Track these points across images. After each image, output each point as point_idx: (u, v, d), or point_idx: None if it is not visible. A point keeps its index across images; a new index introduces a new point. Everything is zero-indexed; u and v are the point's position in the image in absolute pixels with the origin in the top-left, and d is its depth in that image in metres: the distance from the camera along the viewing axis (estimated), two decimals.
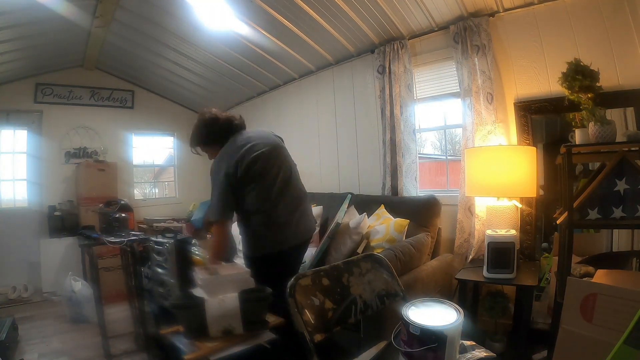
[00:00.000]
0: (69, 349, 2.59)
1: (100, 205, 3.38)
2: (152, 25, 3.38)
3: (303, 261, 2.14)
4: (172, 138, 5.43)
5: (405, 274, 1.97)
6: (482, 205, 2.26)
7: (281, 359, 1.39)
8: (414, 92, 2.75)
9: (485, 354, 1.04)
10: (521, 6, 2.20)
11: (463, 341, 1.05)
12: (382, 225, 2.40)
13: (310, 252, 2.65)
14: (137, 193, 5.36)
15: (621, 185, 1.53)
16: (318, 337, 1.03)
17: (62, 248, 3.98)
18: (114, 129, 4.81)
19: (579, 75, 1.70)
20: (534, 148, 2.09)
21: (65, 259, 3.91)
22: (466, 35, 2.32)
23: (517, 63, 2.26)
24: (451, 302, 0.99)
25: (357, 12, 2.59)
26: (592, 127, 1.65)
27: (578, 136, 1.74)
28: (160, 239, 2.21)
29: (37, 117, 4.36)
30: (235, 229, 1.96)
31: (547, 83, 2.14)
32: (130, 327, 2.65)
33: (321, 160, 3.59)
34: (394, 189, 2.77)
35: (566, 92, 1.79)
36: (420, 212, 2.43)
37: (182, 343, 1.56)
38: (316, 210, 2.92)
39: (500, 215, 2.04)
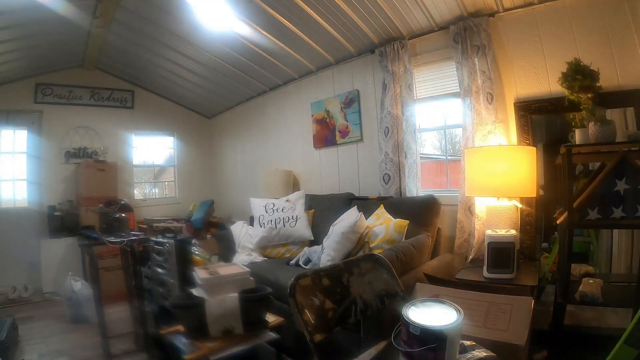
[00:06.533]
0: (69, 349, 2.58)
1: (100, 205, 3.39)
2: (152, 25, 3.38)
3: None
4: (172, 138, 5.44)
5: (405, 274, 1.97)
6: (482, 205, 2.26)
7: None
8: (414, 92, 2.75)
9: (485, 354, 1.04)
10: (521, 6, 2.20)
11: (463, 341, 1.04)
12: (382, 226, 2.39)
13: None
14: (137, 193, 5.36)
15: (621, 185, 1.53)
16: (318, 337, 1.03)
17: (62, 248, 3.98)
18: (114, 129, 4.82)
19: (579, 75, 1.71)
20: (534, 148, 2.08)
21: (65, 259, 3.91)
22: (466, 35, 2.32)
23: (517, 63, 2.26)
24: (451, 302, 0.99)
25: (357, 12, 2.59)
26: (592, 127, 1.66)
27: (578, 136, 1.74)
28: (160, 239, 2.22)
29: (37, 117, 4.37)
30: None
31: (547, 83, 2.14)
32: (130, 327, 2.65)
33: (321, 160, 3.60)
34: (396, 189, 2.77)
35: (566, 92, 1.79)
36: (420, 212, 2.42)
37: (182, 343, 1.57)
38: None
39: (500, 215, 2.04)
